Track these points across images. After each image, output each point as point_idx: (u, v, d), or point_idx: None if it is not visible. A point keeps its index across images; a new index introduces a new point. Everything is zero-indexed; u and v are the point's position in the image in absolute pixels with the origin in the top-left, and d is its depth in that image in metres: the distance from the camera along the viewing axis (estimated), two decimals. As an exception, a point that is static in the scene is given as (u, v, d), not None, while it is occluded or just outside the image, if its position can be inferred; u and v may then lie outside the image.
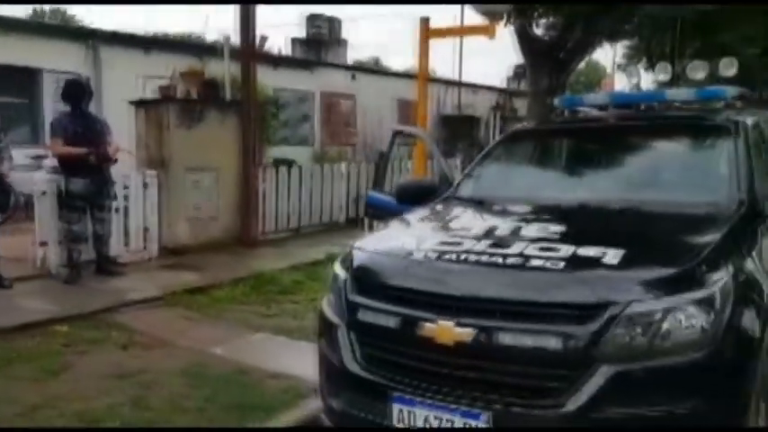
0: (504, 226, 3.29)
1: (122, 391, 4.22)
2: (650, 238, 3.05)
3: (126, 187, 7.56)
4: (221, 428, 3.69)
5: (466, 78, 21.29)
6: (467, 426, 2.64)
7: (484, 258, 2.89)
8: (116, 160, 6.94)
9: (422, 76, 7.28)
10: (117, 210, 7.31)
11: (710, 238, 2.92)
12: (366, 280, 3.12)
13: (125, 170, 7.78)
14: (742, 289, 2.71)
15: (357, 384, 2.97)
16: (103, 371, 4.57)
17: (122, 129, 8.15)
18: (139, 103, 8.48)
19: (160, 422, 3.79)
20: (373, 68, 18.27)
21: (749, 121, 4.08)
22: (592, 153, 4.33)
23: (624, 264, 2.69)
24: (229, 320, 5.84)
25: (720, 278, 2.64)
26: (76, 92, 6.87)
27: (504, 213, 3.62)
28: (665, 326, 2.50)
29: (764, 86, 20.52)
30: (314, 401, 4.09)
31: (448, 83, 19.67)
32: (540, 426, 2.54)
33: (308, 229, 10.24)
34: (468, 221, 3.60)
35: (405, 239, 3.38)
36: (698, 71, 5.21)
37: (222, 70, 9.71)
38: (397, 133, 5.56)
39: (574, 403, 2.48)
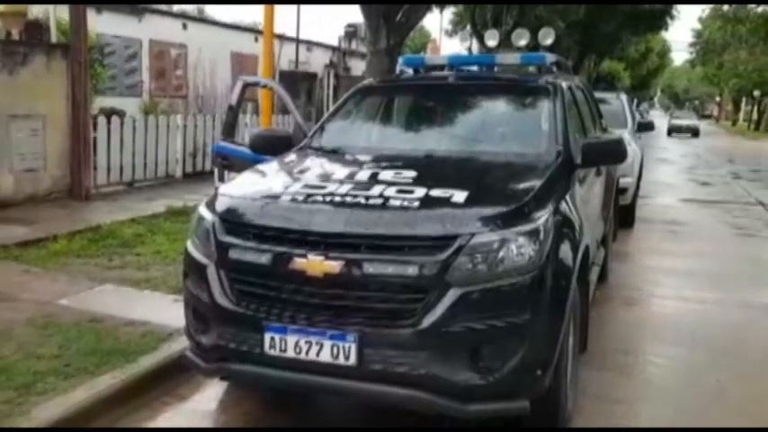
0: (361, 172, 3.60)
1: (-34, 342, 4.06)
2: (488, 182, 3.51)
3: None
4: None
5: (301, 35, 21.25)
6: (335, 346, 2.95)
7: (348, 199, 3.19)
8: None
9: (268, 31, 7.32)
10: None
11: (535, 182, 3.43)
12: (236, 222, 3.29)
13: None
14: (560, 225, 3.25)
15: (229, 318, 3.16)
16: (-61, 325, 4.34)
17: None
18: (-47, 43, 7.71)
19: (14, 369, 3.73)
20: (206, 19, 17.62)
21: (564, 84, 4.72)
22: (434, 109, 4.77)
23: (468, 203, 3.12)
24: (71, 273, 5.68)
25: (543, 215, 3.15)
26: None
27: (359, 162, 3.91)
28: (501, 254, 2.95)
29: (570, 54, 22.66)
30: (174, 344, 4.24)
31: (283, 38, 19.51)
32: (399, 341, 2.91)
33: (143, 183, 9.95)
34: (328, 168, 3.88)
35: (269, 184, 3.59)
36: (521, 38, 5.85)
37: (44, 11, 9.04)
38: (246, 85, 5.63)
39: (428, 320, 2.87)
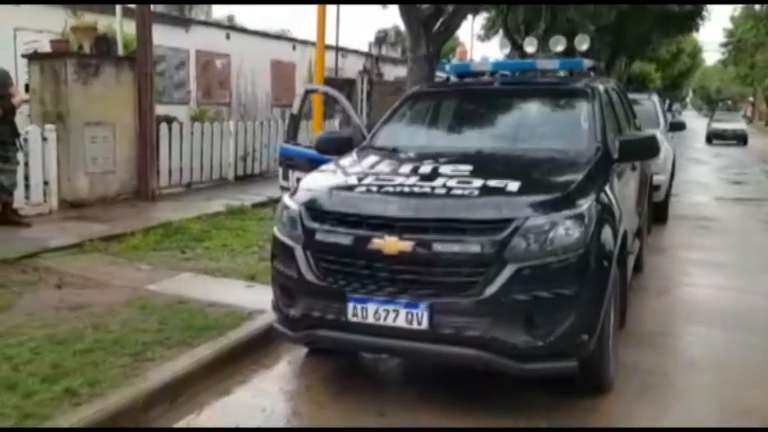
0: (423, 167, 4.12)
1: (79, 319, 4.67)
2: (536, 174, 3.99)
3: (25, 141, 7.62)
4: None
5: (332, 41, 21.86)
6: (409, 313, 3.47)
7: (416, 189, 3.73)
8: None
9: (320, 43, 7.91)
10: (20, 162, 7.39)
11: (578, 174, 3.92)
12: (320, 209, 3.83)
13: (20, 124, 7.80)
14: (601, 212, 3.73)
15: (316, 292, 3.71)
16: (51, 305, 4.97)
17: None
18: (34, 57, 8.43)
19: (125, 340, 4.31)
20: (248, 29, 18.33)
21: (601, 86, 5.20)
22: (481, 111, 5.29)
23: (521, 191, 3.63)
24: (151, 263, 6.30)
25: (587, 202, 3.64)
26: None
27: (418, 158, 4.42)
28: (551, 235, 3.45)
29: (601, 56, 22.92)
30: (254, 323, 4.81)
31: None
32: (464, 309, 3.42)
33: (199, 185, 10.62)
34: (392, 164, 4.41)
35: (344, 179, 4.14)
36: (558, 44, 6.33)
37: (107, 25, 9.74)
38: (308, 92, 6.20)
39: (489, 291, 3.38)
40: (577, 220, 3.52)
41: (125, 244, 6.86)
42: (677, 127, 10.82)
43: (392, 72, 25.85)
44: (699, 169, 18.23)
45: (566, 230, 3.48)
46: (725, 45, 52.77)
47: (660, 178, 8.87)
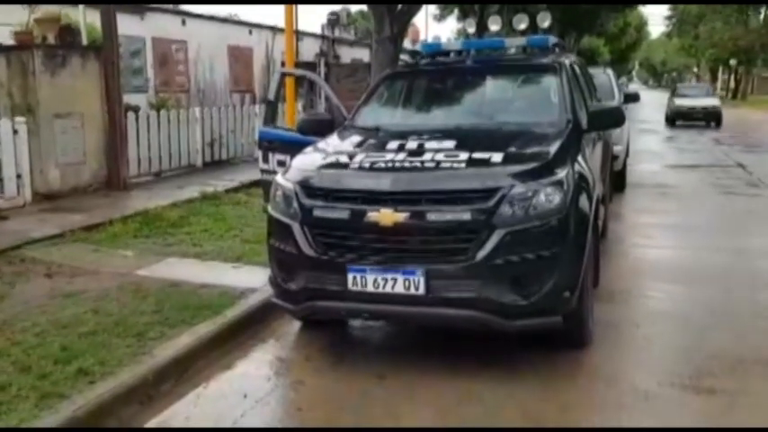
0: (409, 143, 4.34)
1: (77, 304, 4.79)
2: (516, 146, 4.22)
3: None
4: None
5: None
6: (406, 280, 3.71)
7: (407, 164, 3.97)
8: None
9: (288, 27, 8.02)
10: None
11: (554, 145, 4.20)
12: (316, 187, 4.03)
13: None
14: (578, 179, 4.02)
15: (316, 265, 3.92)
16: (45, 293, 5.07)
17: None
18: (0, 50, 8.33)
19: (126, 322, 4.46)
20: (203, 14, 18.15)
21: (567, 61, 5.49)
22: (456, 88, 5.54)
23: (504, 162, 3.90)
24: (136, 250, 6.39)
25: (565, 170, 3.92)
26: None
27: (403, 135, 4.61)
28: (534, 201, 3.73)
29: (552, 32, 23.35)
30: (248, 300, 4.99)
31: (276, 29, 20.09)
32: (458, 273, 3.67)
33: (168, 173, 10.65)
34: (377, 142, 4.61)
35: (335, 157, 4.34)
36: (521, 23, 6.60)
37: (65, 15, 9.66)
38: (284, 75, 6.33)
39: (480, 255, 3.65)
40: (557, 187, 3.80)
41: (105, 233, 6.92)
42: (632, 98, 11.26)
43: (348, 54, 25.90)
44: (649, 139, 18.86)
45: (547, 197, 3.76)
46: (669, 18, 54.12)
47: (618, 148, 9.26)
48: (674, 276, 5.92)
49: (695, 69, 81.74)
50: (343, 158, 4.23)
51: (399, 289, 3.73)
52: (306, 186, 4.06)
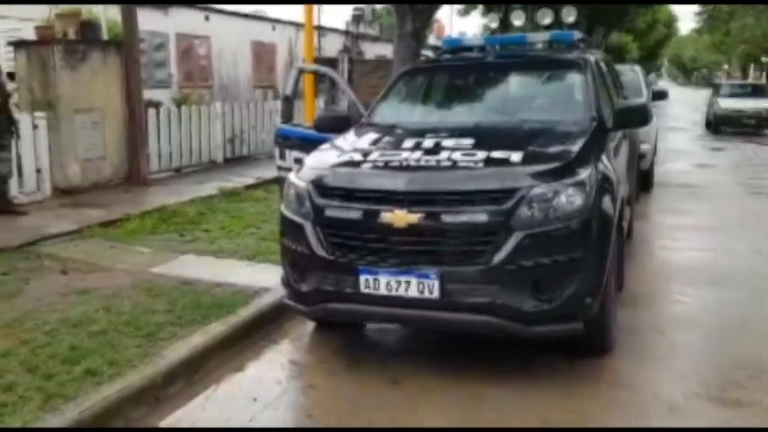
0: (426, 141, 4.21)
1: (89, 302, 4.74)
2: (537, 145, 4.08)
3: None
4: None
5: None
6: (420, 283, 3.58)
7: (422, 163, 3.83)
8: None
9: (308, 22, 7.94)
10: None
11: (577, 144, 4.04)
12: (328, 186, 3.92)
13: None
14: (601, 179, 3.86)
15: (328, 266, 3.81)
16: (58, 291, 5.02)
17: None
18: (20, 44, 8.35)
19: (137, 321, 4.39)
20: (227, 10, 18.16)
21: (592, 58, 5.31)
22: (476, 85, 5.38)
23: (524, 162, 3.75)
24: (152, 246, 6.35)
25: (587, 170, 3.76)
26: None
27: (420, 133, 4.48)
28: (555, 202, 3.58)
29: (579, 28, 22.97)
30: (261, 300, 4.91)
31: (299, 26, 20.03)
32: (474, 276, 3.54)
33: (189, 169, 10.63)
34: (393, 140, 4.49)
35: (349, 156, 4.22)
36: (545, 17, 6.41)
37: (88, 10, 9.67)
38: (301, 72, 6.23)
39: (497, 258, 3.50)
40: (579, 188, 3.65)
41: (122, 229, 6.89)
42: (660, 96, 10.99)
43: (372, 50, 25.77)
44: (678, 138, 18.43)
45: (568, 198, 3.61)
46: (699, 14, 53.09)
47: (645, 147, 9.03)
48: (701, 280, 5.71)
49: (725, 66, 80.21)
50: (357, 157, 4.11)
51: (413, 292, 3.61)
52: (318, 185, 3.96)
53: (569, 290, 3.57)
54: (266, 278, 5.26)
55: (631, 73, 11.10)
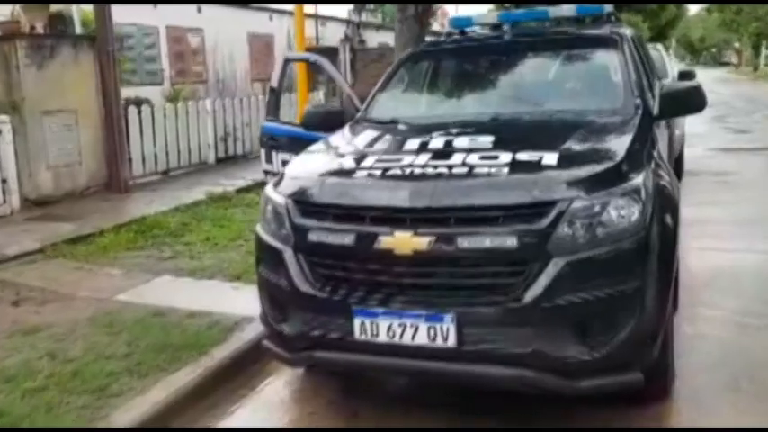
0: (434, 141, 3.39)
1: (33, 346, 3.96)
2: (574, 142, 3.22)
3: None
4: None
5: (311, 9, 20.82)
6: (431, 328, 2.76)
7: (429, 170, 2.99)
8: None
9: (299, 8, 7.13)
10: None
11: (624, 139, 3.19)
12: (311, 202, 3.10)
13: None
14: (659, 183, 3.02)
15: (313, 305, 2.99)
16: (3, 329, 4.25)
17: None
18: (-21, 42, 7.55)
19: (86, 372, 3.60)
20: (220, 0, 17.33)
21: (628, 33, 4.44)
22: (492, 70, 4.52)
23: (561, 165, 2.90)
24: (124, 267, 5.57)
25: (642, 173, 2.92)
26: None
27: (426, 130, 3.66)
28: (604, 218, 2.74)
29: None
30: (242, 334, 4.11)
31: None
32: (501, 318, 2.71)
33: (178, 171, 9.83)
34: (395, 140, 3.67)
35: (339, 161, 3.39)
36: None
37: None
38: (288, 61, 5.42)
39: (530, 294, 2.67)
40: (633, 197, 2.81)
41: (94, 245, 6.10)
42: (687, 76, 10.08)
43: (374, 38, 24.85)
44: (695, 119, 17.44)
45: (620, 211, 2.77)
46: (710, -8, 51.78)
47: (677, 133, 8.17)
48: (739, 289, 4.85)
49: (736, 44, 78.51)
50: (349, 163, 3.27)
51: (422, 339, 2.79)
52: (300, 201, 3.13)
53: (624, 331, 2.73)
54: (251, 304, 4.39)
55: (655, 52, 10.25)
